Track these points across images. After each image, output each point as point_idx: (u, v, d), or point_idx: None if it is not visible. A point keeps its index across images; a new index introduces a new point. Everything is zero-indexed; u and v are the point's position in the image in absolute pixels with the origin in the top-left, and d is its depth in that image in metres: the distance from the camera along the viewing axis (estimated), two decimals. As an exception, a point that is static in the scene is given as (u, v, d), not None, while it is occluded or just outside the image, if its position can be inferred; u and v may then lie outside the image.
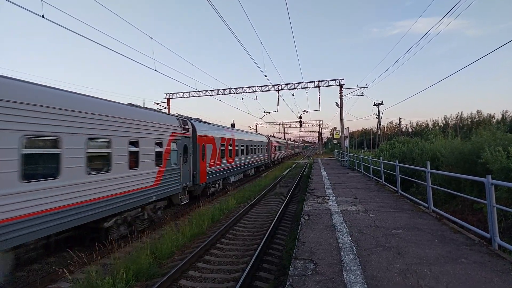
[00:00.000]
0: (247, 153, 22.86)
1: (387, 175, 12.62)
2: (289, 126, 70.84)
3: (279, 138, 51.20)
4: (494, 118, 79.85)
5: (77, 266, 6.68)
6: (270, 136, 37.19)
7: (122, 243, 8.15)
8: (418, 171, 11.89)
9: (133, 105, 9.78)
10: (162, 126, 10.37)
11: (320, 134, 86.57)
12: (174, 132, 11.17)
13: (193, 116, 14.92)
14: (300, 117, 42.82)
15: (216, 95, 31.76)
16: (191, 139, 12.84)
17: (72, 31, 9.04)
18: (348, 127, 27.06)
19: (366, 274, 3.91)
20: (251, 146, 24.54)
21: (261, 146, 29.22)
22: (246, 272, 6.05)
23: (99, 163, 7.46)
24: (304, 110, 51.07)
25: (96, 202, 7.21)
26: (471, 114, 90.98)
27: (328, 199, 9.37)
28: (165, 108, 35.08)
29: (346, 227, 6.18)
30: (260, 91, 30.46)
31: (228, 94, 31.64)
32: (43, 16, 7.68)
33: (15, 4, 6.82)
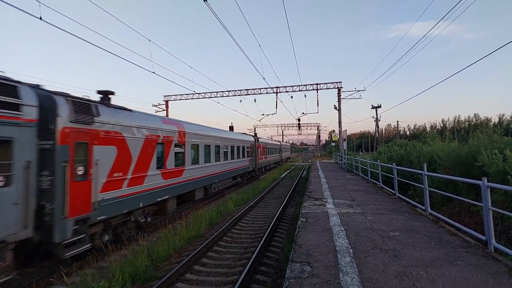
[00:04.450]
0: (270, 154, 34.89)
1: (385, 177, 12.64)
2: (288, 129, 71.02)
3: (285, 142, 65.67)
4: (491, 121, 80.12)
5: (73, 269, 6.64)
6: (278, 141, 49.55)
7: (119, 246, 8.11)
8: (416, 173, 11.92)
9: (246, 133, 25.75)
10: (251, 141, 24.46)
11: (318, 136, 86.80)
12: (251, 143, 24.46)
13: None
14: (299, 120, 42.80)
15: (215, 97, 31.76)
16: (255, 146, 25.90)
17: (70, 33, 9.04)
18: (346, 129, 27.08)
19: (363, 277, 3.91)
20: (272, 149, 36.88)
21: (276, 149, 41.07)
22: (243, 274, 6.03)
23: (234, 155, 19.12)
24: (303, 113, 51.02)
25: (234, 170, 19.11)
26: (468, 117, 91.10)
27: (326, 202, 9.37)
28: (164, 110, 35.05)
29: (343, 229, 6.18)
30: (259, 94, 30.44)
31: (227, 96, 31.62)
32: (40, 18, 7.67)
33: (13, 6, 6.82)
